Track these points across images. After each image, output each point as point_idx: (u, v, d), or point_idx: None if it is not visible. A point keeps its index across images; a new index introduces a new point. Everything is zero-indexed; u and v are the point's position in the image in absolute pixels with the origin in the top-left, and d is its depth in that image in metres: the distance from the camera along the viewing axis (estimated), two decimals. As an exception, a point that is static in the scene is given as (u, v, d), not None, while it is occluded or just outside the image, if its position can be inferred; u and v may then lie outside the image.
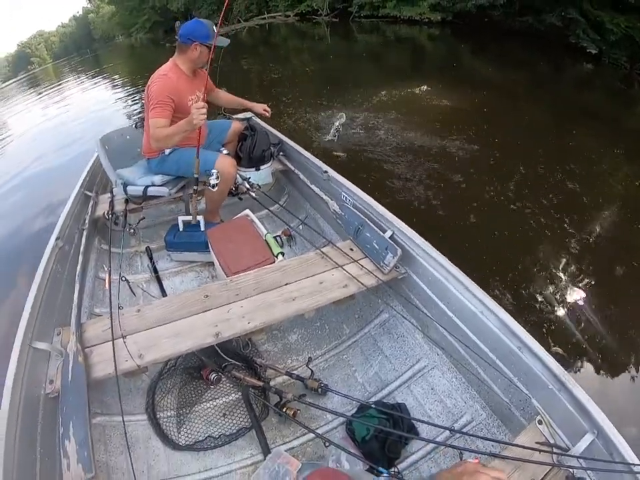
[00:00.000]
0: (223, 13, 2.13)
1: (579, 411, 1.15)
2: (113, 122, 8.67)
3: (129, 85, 14.41)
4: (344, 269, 1.77)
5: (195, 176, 2.30)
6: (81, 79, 24.40)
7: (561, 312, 2.58)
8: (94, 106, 12.07)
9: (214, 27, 2.21)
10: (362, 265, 1.77)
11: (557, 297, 2.67)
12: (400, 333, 1.85)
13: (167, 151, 2.36)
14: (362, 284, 1.69)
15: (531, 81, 7.54)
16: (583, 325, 2.47)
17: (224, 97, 2.73)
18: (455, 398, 1.60)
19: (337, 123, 4.29)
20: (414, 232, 1.71)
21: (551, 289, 2.74)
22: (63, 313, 1.83)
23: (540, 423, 1.25)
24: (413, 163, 4.51)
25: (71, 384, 1.43)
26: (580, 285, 2.77)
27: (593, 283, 2.80)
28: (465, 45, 11.67)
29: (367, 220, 1.89)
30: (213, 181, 2.18)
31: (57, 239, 2.11)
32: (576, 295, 2.68)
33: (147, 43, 35.68)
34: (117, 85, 15.65)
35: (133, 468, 1.30)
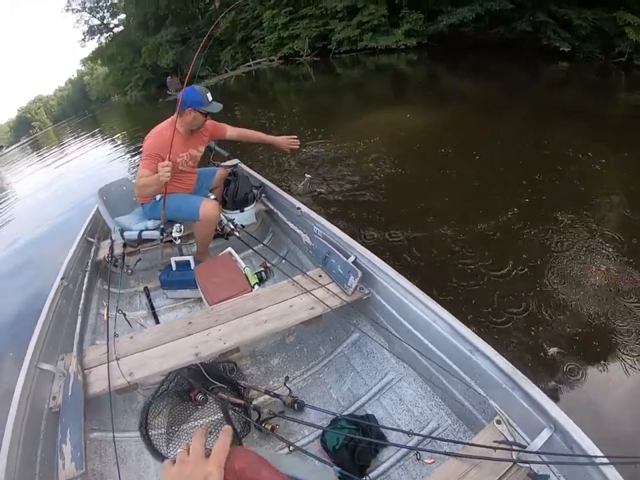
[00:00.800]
0: (191, 69, 2.51)
1: (535, 408, 1.19)
2: (112, 174, 9.04)
3: (126, 140, 14.96)
4: (312, 294, 1.95)
5: (161, 226, 2.64)
6: (80, 139, 24.94)
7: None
8: (93, 162, 12.58)
9: (209, 94, 2.46)
10: (328, 289, 1.95)
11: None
12: (369, 350, 1.99)
13: (157, 197, 2.61)
14: (327, 305, 1.87)
15: (507, 88, 7.76)
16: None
17: (238, 134, 2.92)
18: (421, 406, 1.71)
19: (307, 176, 4.44)
20: (374, 255, 1.87)
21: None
22: (65, 342, 2.08)
23: (498, 422, 1.29)
24: (393, 180, 4.70)
25: (71, 398, 1.66)
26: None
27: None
28: (441, 65, 12.21)
29: (333, 248, 2.08)
30: (175, 234, 2.53)
31: (62, 278, 2.38)
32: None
33: (142, 100, 36.73)
34: (114, 142, 16.21)
35: (120, 477, 1.48)
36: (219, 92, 20.26)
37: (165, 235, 2.66)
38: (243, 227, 2.69)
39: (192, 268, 2.65)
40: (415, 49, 14.86)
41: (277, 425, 1.73)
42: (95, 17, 45.01)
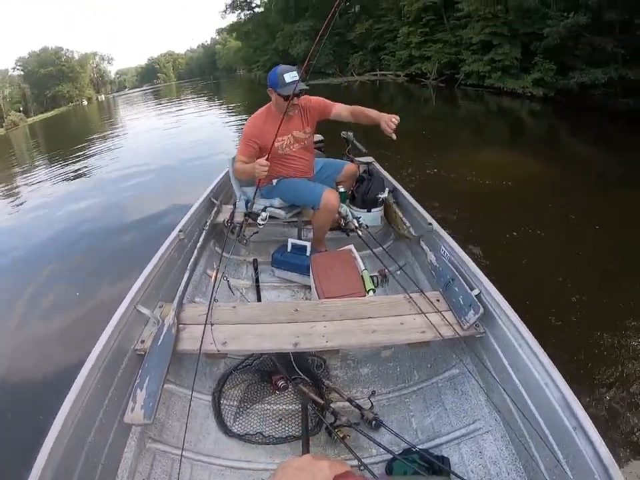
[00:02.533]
0: (305, 63, 2.43)
1: None
2: (224, 144, 9.64)
3: (242, 113, 15.50)
4: (426, 316, 1.84)
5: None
6: (201, 100, 26.34)
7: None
8: (211, 126, 13.22)
9: (288, 75, 2.35)
10: (444, 316, 1.83)
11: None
12: (465, 390, 1.85)
13: (274, 181, 2.68)
14: (439, 333, 1.76)
15: (631, 166, 7.00)
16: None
17: (347, 113, 2.56)
18: (499, 467, 1.56)
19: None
20: (499, 294, 1.75)
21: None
22: (167, 292, 2.15)
23: None
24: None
25: (159, 348, 1.71)
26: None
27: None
28: (564, 122, 11.48)
29: (458, 275, 1.96)
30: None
31: (180, 231, 2.47)
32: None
33: (265, 80, 38.61)
34: (232, 112, 16.86)
35: (185, 434, 1.51)
36: (341, 92, 20.62)
37: (287, 215, 2.70)
38: (367, 227, 2.61)
39: (306, 254, 2.65)
40: (539, 99, 14.07)
41: (348, 435, 1.67)
42: None
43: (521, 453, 1.51)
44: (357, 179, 2.93)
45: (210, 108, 21.45)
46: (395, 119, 2.18)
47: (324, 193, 2.49)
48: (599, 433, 1.19)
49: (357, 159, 3.31)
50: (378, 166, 3.37)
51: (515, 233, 4.31)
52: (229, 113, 18.05)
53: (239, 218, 2.82)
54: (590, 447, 1.17)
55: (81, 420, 1.35)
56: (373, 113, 2.40)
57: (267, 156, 2.29)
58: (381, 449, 1.57)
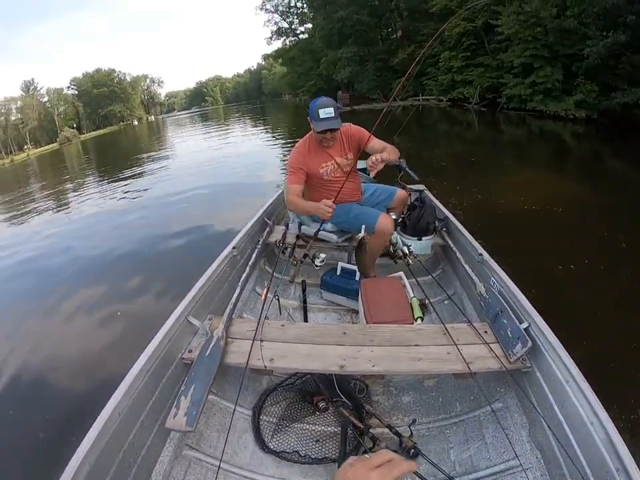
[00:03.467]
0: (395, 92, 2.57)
1: None
2: (269, 169, 10.15)
3: (288, 137, 15.80)
4: (473, 347, 1.84)
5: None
6: (246, 123, 26.97)
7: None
8: (253, 147, 13.55)
9: (323, 110, 2.38)
10: (491, 348, 1.81)
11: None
12: (507, 425, 1.81)
13: None
14: (485, 365, 1.75)
15: None
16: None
17: (380, 148, 2.56)
18: None
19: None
20: (548, 328, 1.72)
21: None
22: (218, 305, 2.23)
23: None
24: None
25: (207, 359, 1.77)
26: None
27: None
28: (608, 145, 11.19)
29: (507, 307, 1.94)
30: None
31: (234, 247, 2.58)
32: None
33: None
34: (276, 135, 17.22)
35: (225, 446, 1.56)
36: (385, 116, 20.85)
37: (339, 239, 2.76)
38: (416, 255, 2.65)
39: (355, 278, 2.68)
40: (582, 121, 13.93)
41: None
42: (285, 21, 49.66)
43: None
44: (409, 206, 2.96)
45: (256, 132, 22.09)
46: (374, 161, 2.24)
47: (379, 217, 2.53)
48: None
49: (408, 186, 3.34)
50: (430, 194, 3.41)
51: (565, 263, 4.20)
52: (274, 137, 18.58)
53: (290, 239, 2.90)
54: None
55: (123, 420, 1.41)
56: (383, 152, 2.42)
57: (333, 199, 2.35)
58: (418, 479, 1.55)
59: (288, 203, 2.70)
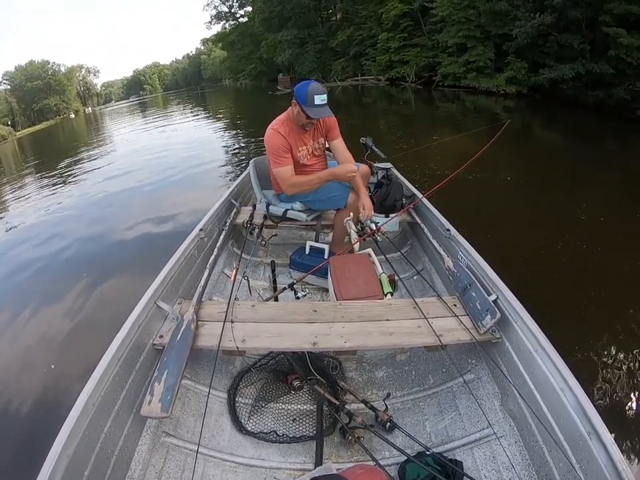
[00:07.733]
0: None
1: None
2: (217, 154, 9.97)
3: (228, 123, 15.78)
4: (443, 320, 1.86)
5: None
6: (187, 110, 26.21)
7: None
8: (198, 134, 13.12)
9: (318, 97, 2.32)
10: (461, 321, 1.85)
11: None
12: (479, 396, 1.83)
13: None
14: (456, 337, 1.78)
15: (597, 153, 7.38)
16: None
17: (340, 152, 2.65)
18: (512, 473, 1.54)
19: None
20: (516, 300, 1.73)
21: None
22: (187, 289, 2.20)
23: None
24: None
25: (178, 343, 1.74)
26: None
27: None
28: (537, 117, 12.05)
29: (476, 281, 1.97)
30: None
31: (200, 230, 2.52)
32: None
33: (251, 89, 39.40)
34: (220, 120, 16.95)
35: (202, 430, 1.53)
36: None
37: (307, 217, 2.74)
38: (384, 232, 2.62)
39: (324, 257, 2.69)
40: (513, 96, 14.95)
41: (362, 437, 1.67)
42: (225, 4, 48.67)
43: (535, 459, 1.51)
44: (376, 184, 2.97)
45: (196, 117, 21.48)
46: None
47: (351, 193, 2.56)
48: (613, 438, 1.19)
49: (375, 164, 3.32)
50: (396, 172, 3.40)
51: (506, 228, 4.41)
52: (217, 122, 18.20)
53: (258, 220, 2.88)
54: (604, 453, 1.17)
55: (98, 410, 1.38)
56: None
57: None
58: (395, 451, 1.59)
59: (289, 187, 2.53)
